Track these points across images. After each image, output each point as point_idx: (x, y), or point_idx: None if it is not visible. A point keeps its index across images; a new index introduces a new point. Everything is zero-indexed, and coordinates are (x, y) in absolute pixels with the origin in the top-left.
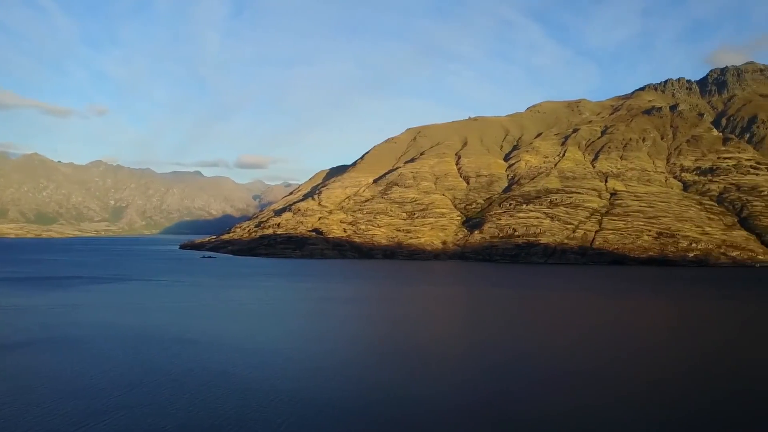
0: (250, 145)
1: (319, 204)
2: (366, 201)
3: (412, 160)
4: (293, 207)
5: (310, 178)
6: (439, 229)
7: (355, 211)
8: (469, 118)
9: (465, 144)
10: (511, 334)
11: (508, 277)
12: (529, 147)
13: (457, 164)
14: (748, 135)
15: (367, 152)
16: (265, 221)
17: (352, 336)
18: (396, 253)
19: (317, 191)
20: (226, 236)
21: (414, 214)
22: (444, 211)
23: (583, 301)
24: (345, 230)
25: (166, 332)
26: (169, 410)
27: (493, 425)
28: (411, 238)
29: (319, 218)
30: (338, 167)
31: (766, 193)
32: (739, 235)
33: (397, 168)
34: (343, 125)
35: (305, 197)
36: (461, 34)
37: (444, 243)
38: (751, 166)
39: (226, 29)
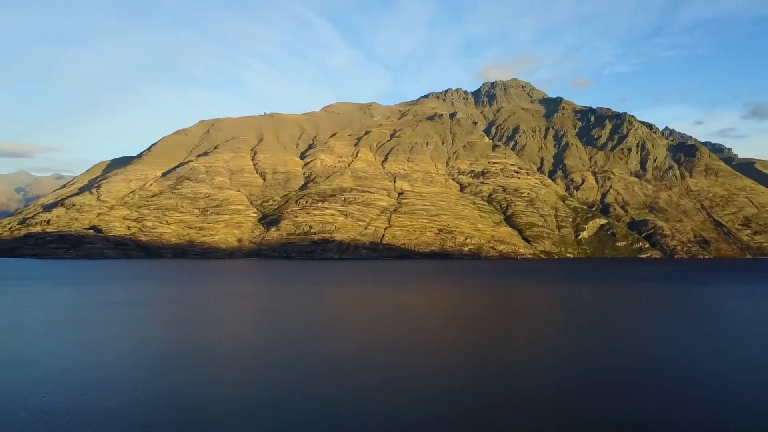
0: (13, 130)
1: (98, 199)
2: (153, 196)
3: (205, 153)
4: (67, 202)
5: (88, 170)
6: (235, 227)
7: (140, 207)
8: (265, 114)
9: (261, 140)
10: (304, 331)
11: (304, 274)
12: (325, 146)
13: (253, 160)
14: (512, 143)
15: (154, 144)
16: (32, 217)
17: (131, 342)
18: (188, 251)
19: (96, 184)
20: None
21: (207, 210)
22: (240, 207)
23: (371, 293)
24: (129, 227)
25: None
26: None
27: (268, 419)
28: (204, 235)
29: (98, 214)
30: (121, 159)
31: (526, 194)
32: (505, 231)
33: (188, 161)
34: (128, 113)
35: (81, 191)
36: (257, 28)
37: (240, 241)
38: (514, 171)
39: None
